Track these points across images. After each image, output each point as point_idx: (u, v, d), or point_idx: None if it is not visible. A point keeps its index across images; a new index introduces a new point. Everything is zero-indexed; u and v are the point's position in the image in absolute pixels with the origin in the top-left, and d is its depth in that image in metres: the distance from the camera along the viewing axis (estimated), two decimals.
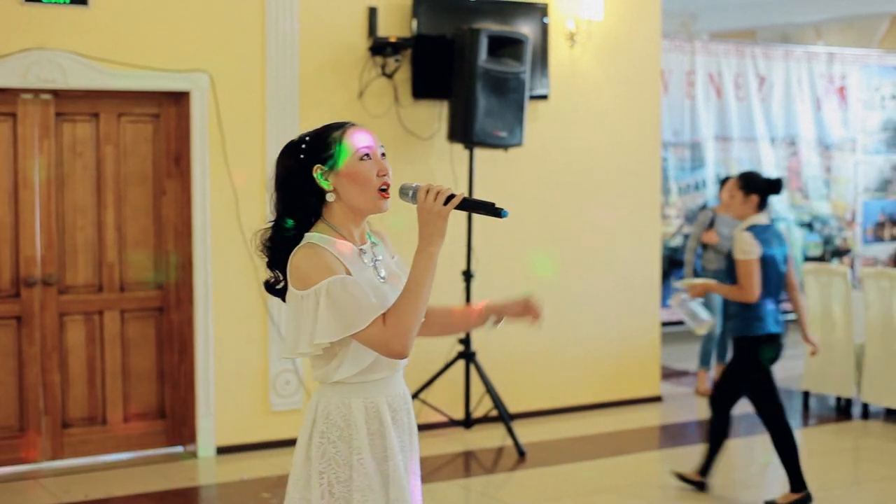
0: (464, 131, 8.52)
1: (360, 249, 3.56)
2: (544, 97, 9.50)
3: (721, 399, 7.52)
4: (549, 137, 9.63)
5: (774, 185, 7.45)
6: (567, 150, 9.78)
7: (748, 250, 7.18)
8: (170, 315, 8.49)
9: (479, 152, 8.97)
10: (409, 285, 3.42)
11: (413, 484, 3.62)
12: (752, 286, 7.16)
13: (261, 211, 8.48)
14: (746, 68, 13.28)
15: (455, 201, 3.43)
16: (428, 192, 3.43)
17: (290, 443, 8.71)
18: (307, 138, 3.57)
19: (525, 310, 3.78)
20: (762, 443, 9.21)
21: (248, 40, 8.45)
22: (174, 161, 8.40)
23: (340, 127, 3.56)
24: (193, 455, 8.45)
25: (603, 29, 9.84)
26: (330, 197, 3.52)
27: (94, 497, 7.52)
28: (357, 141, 3.51)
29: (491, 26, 8.74)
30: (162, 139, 8.41)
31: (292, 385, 8.63)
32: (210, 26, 8.33)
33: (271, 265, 3.64)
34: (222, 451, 8.48)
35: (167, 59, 8.21)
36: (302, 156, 3.53)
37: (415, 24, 8.86)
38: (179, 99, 8.37)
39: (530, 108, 9.33)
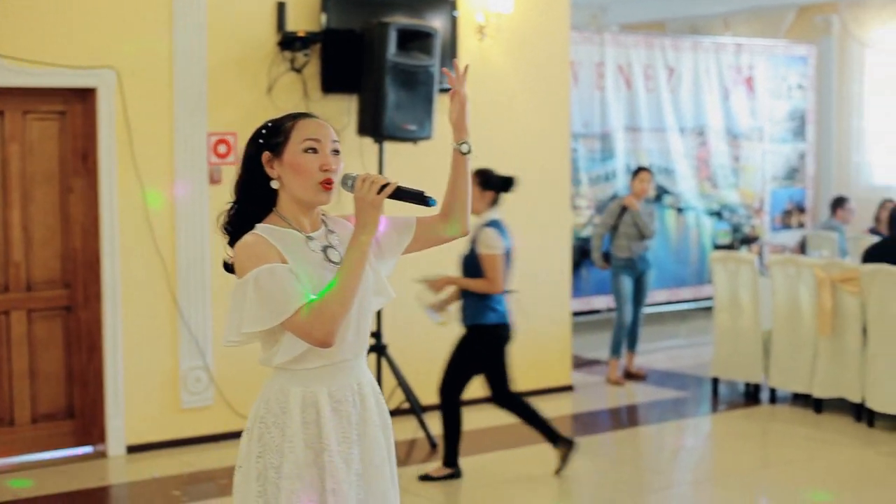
0: (373, 125, 8.53)
1: (308, 237, 3.59)
2: None
3: (451, 387, 7.78)
4: None
5: (508, 183, 7.87)
6: (477, 143, 9.71)
7: (494, 245, 7.60)
8: (77, 314, 8.41)
9: (389, 146, 8.99)
10: (338, 275, 3.45)
11: (368, 474, 3.61)
12: (498, 279, 7.60)
13: (170, 207, 8.43)
14: (655, 60, 13.40)
15: (388, 190, 3.51)
16: (364, 181, 3.50)
17: (201, 440, 8.75)
18: (268, 124, 3.67)
19: (454, 100, 3.93)
20: (672, 429, 9.33)
21: (156, 36, 8.39)
22: (81, 159, 8.33)
23: (296, 117, 3.64)
24: (103, 455, 8.39)
25: (512, 22, 9.88)
26: (274, 184, 3.59)
27: (2, 499, 7.43)
28: (304, 132, 3.57)
29: (400, 20, 8.74)
30: (69, 137, 8.33)
31: (203, 382, 8.59)
32: (116, 22, 8.25)
33: (231, 245, 3.67)
34: (133, 449, 8.42)
35: (73, 55, 8.13)
36: (260, 140, 3.62)
37: (324, 18, 8.85)
38: (86, 96, 8.29)
39: (440, 102, 9.33)
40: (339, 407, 3.57)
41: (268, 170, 3.60)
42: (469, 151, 3.92)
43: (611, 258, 11.14)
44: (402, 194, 3.57)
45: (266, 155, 3.60)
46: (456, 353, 7.77)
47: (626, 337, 11.13)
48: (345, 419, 3.58)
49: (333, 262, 3.58)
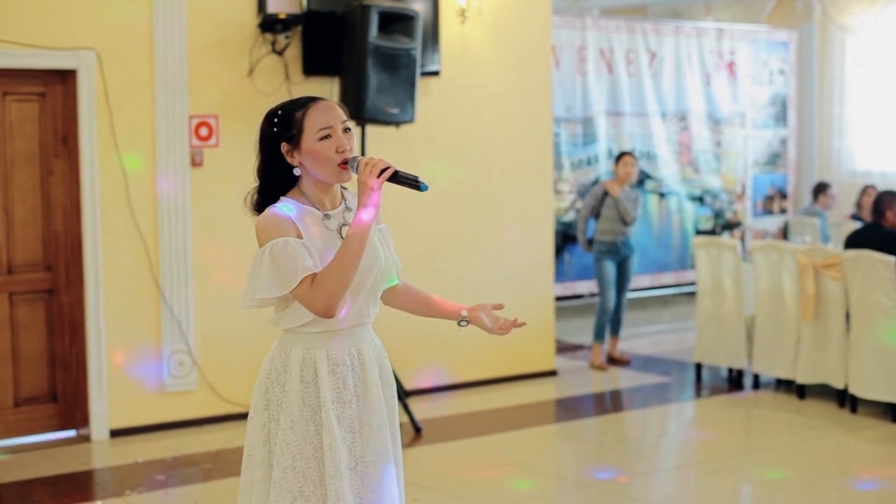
0: (355, 108, 8.48)
1: (326, 215, 3.85)
2: (436, 73, 9.50)
3: None
4: (440, 114, 9.63)
5: None
6: (459, 127, 9.79)
7: None
8: (60, 297, 8.36)
9: (371, 129, 8.95)
10: (339, 251, 3.69)
11: (365, 433, 3.86)
12: None
13: (151, 190, 8.39)
14: (637, 44, 13.37)
15: (386, 174, 3.72)
16: (366, 164, 3.73)
17: (185, 424, 8.73)
18: (279, 112, 3.86)
19: (496, 327, 4.20)
20: (655, 415, 9.33)
21: (136, 17, 8.34)
22: (62, 141, 8.27)
23: (304, 105, 3.84)
24: (87, 439, 8.35)
25: (493, 5, 9.85)
26: (296, 171, 3.84)
27: None
28: (316, 122, 3.80)
29: (381, 2, 8.69)
30: (49, 119, 8.27)
31: (186, 366, 8.56)
32: (96, 3, 8.19)
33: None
34: (116, 433, 8.39)
35: (53, 36, 8.07)
36: (274, 129, 3.84)
37: (305, 0, 8.80)
38: (66, 77, 8.23)
39: (422, 85, 9.32)
40: (335, 369, 3.83)
41: (289, 159, 3.83)
42: (465, 325, 4.27)
43: (593, 243, 11.14)
44: (398, 178, 3.77)
45: (285, 146, 3.82)
46: None
47: (610, 322, 11.14)
48: (341, 381, 3.83)
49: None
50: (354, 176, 3.78)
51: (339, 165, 3.78)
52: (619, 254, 11.02)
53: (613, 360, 11.14)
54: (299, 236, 3.74)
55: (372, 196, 3.68)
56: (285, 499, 3.76)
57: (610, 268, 11.01)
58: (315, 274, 3.67)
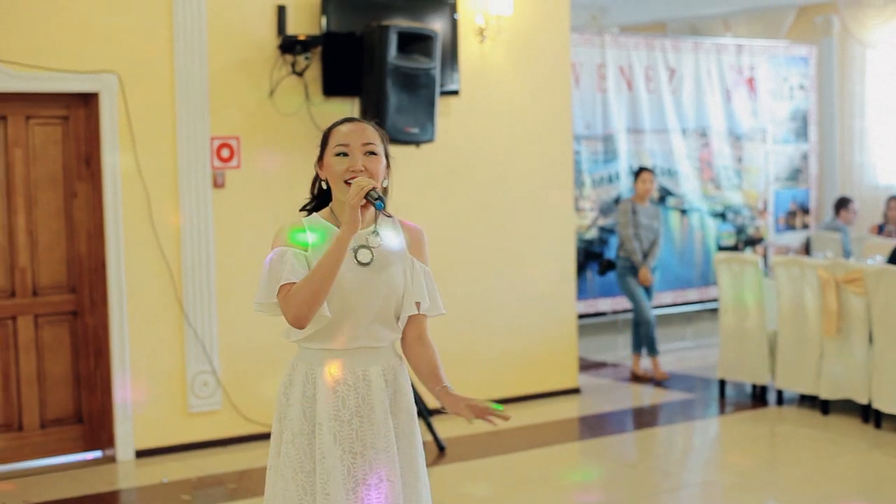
0: (382, 129, 8.49)
1: None
2: (455, 93, 9.52)
3: None
4: (460, 133, 9.66)
5: None
6: (479, 146, 9.81)
7: None
8: (84, 319, 8.41)
9: (391, 149, 8.94)
10: (316, 264, 3.75)
11: (368, 456, 3.86)
12: None
13: (174, 211, 8.43)
14: (656, 61, 13.38)
15: (362, 193, 3.74)
16: (354, 184, 3.77)
17: (210, 444, 8.75)
18: (326, 129, 4.04)
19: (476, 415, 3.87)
20: (679, 431, 9.32)
21: (157, 40, 8.39)
22: (85, 163, 8.33)
23: (339, 123, 4.00)
24: (112, 459, 8.38)
25: (512, 24, 9.88)
26: (324, 184, 3.99)
27: None
28: (336, 139, 3.92)
29: (400, 22, 8.74)
30: (72, 141, 8.33)
31: (210, 386, 8.58)
32: (117, 26, 8.25)
33: None
34: (141, 454, 8.42)
35: (75, 60, 8.13)
36: (320, 145, 4.01)
37: (324, 21, 8.84)
38: (88, 100, 8.29)
39: (441, 104, 9.34)
40: (336, 387, 3.88)
41: (318, 171, 4.02)
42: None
43: (617, 259, 11.20)
44: (368, 196, 3.78)
45: (317, 159, 4.01)
46: None
47: (645, 340, 11.17)
48: (340, 400, 3.87)
49: (360, 262, 3.86)
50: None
51: (345, 182, 3.85)
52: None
53: (655, 379, 11.14)
54: (306, 248, 3.85)
55: (351, 214, 3.73)
56: None
57: (634, 282, 11.08)
58: (293, 283, 3.75)
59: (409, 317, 4.00)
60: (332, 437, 3.82)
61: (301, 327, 3.78)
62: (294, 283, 3.75)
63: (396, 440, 3.93)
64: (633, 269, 11.11)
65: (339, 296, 3.80)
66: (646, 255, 11.20)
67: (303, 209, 4.06)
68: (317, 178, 4.04)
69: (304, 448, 3.86)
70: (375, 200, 3.75)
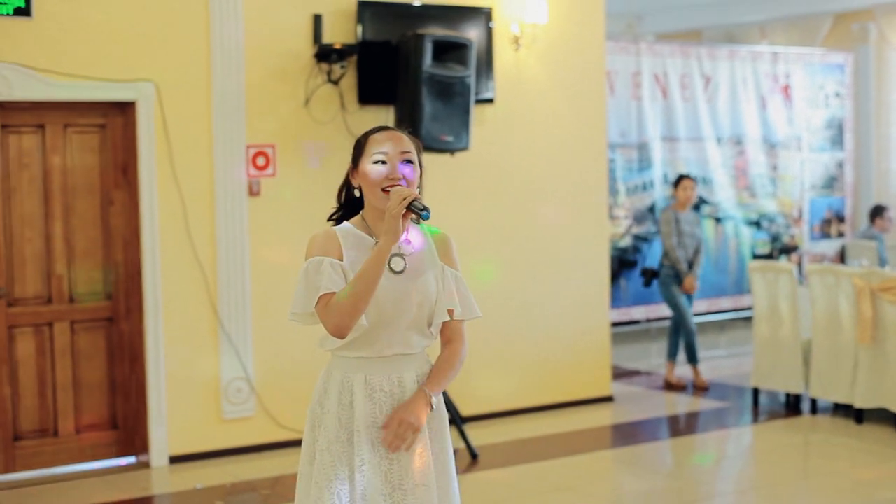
0: (416, 138, 8.52)
1: (377, 242, 3.84)
2: (490, 101, 9.55)
3: None
4: (495, 141, 9.67)
5: None
6: (514, 153, 9.83)
7: None
8: (120, 325, 8.47)
9: (426, 157, 8.93)
10: (357, 274, 3.76)
11: (403, 460, 3.88)
12: None
13: (210, 219, 8.48)
14: (692, 69, 13.37)
15: (404, 203, 3.75)
16: (394, 193, 3.79)
17: (243, 450, 8.79)
18: (359, 136, 4.04)
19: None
20: (713, 440, 9.31)
21: (194, 49, 8.45)
22: (121, 171, 8.39)
23: (374, 131, 4.00)
24: (146, 465, 8.43)
25: (547, 32, 9.89)
26: (356, 192, 3.99)
27: None
28: (374, 146, 3.92)
29: (435, 31, 8.77)
30: (109, 149, 8.39)
31: (244, 393, 8.63)
32: (155, 35, 8.32)
33: None
34: (175, 460, 8.47)
35: (112, 69, 8.20)
36: (353, 152, 4.01)
37: (359, 30, 8.88)
38: (125, 109, 8.35)
39: (476, 112, 9.36)
40: (373, 395, 3.90)
41: (351, 179, 4.02)
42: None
43: (661, 267, 11.21)
44: (412, 206, 3.79)
45: (350, 167, 4.01)
46: None
47: (685, 349, 11.16)
48: (377, 406, 3.89)
49: (393, 270, 3.88)
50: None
51: (382, 191, 3.86)
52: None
53: (696, 387, 11.13)
54: (340, 258, 3.86)
55: (392, 223, 3.74)
56: None
57: (677, 290, 11.09)
58: (333, 294, 3.76)
59: (445, 324, 4.03)
60: (371, 443, 3.85)
61: (342, 337, 3.80)
62: (333, 293, 3.76)
63: (431, 445, 3.95)
64: (678, 278, 11.12)
65: (375, 304, 3.81)
66: (691, 263, 11.20)
67: (330, 218, 4.07)
68: (345, 186, 4.06)
69: (339, 455, 3.86)
70: (421, 211, 3.75)
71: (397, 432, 3.83)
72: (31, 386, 8.22)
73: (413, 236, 3.98)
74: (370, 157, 3.90)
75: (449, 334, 4.08)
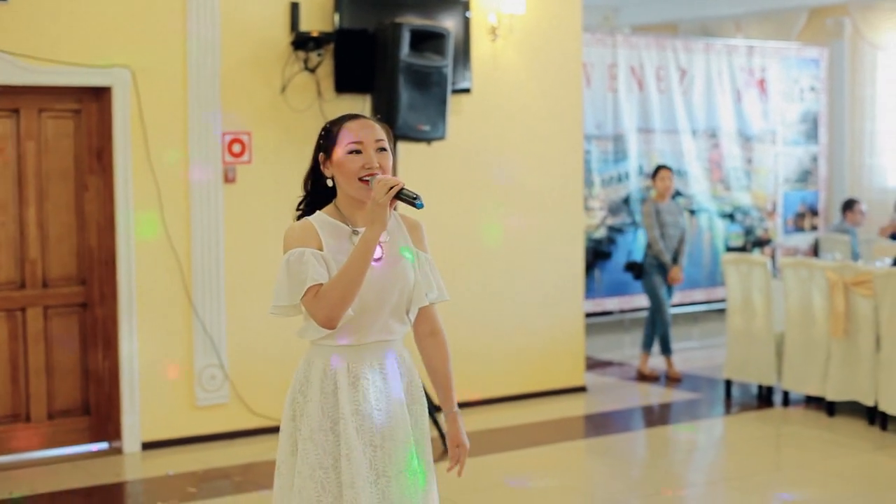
0: (387, 125, 8.52)
1: (354, 231, 3.90)
2: (467, 91, 9.55)
3: None
4: (472, 131, 9.68)
5: None
6: (490, 144, 9.84)
7: None
8: (93, 311, 8.45)
9: (402, 146, 9.01)
10: (344, 264, 3.75)
11: (387, 447, 3.90)
12: None
13: (185, 206, 8.46)
14: (668, 61, 13.40)
15: (393, 191, 3.74)
16: (378, 182, 3.77)
17: (216, 437, 8.77)
18: (326, 125, 4.03)
19: (452, 455, 4.16)
20: (685, 431, 9.34)
21: (170, 35, 8.43)
22: (96, 157, 8.36)
23: (345, 120, 3.98)
24: (119, 451, 8.42)
25: (524, 23, 9.90)
26: (329, 182, 3.97)
27: (19, 495, 7.47)
28: (347, 135, 3.90)
29: (413, 20, 8.76)
30: (84, 135, 8.36)
31: (217, 380, 8.62)
32: (131, 21, 8.29)
33: None
34: (148, 446, 8.45)
35: (88, 54, 8.16)
36: (321, 141, 3.99)
37: (337, 18, 8.87)
38: (101, 94, 8.32)
39: (453, 102, 9.36)
40: (356, 382, 3.89)
41: (323, 169, 3.98)
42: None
43: (645, 257, 11.23)
44: (402, 195, 3.77)
45: (321, 156, 3.98)
46: None
47: (660, 340, 11.19)
48: (361, 394, 3.88)
49: (373, 258, 3.82)
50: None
51: (359, 180, 3.86)
52: (667, 269, 11.14)
53: (668, 378, 11.17)
54: (320, 248, 3.84)
55: (379, 213, 3.72)
56: None
57: (660, 282, 11.11)
58: (321, 285, 3.74)
59: (420, 310, 4.04)
60: (355, 430, 3.84)
61: (332, 328, 3.78)
62: (321, 284, 3.75)
63: (412, 431, 3.98)
64: (661, 269, 11.14)
65: (358, 293, 3.80)
66: (676, 254, 11.22)
67: (298, 207, 4.07)
68: (312, 174, 4.03)
69: (322, 444, 3.85)
70: (414, 200, 3.73)
71: (458, 458, 4.11)
72: (4, 371, 8.19)
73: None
74: (344, 146, 3.88)
75: (430, 323, 4.11)
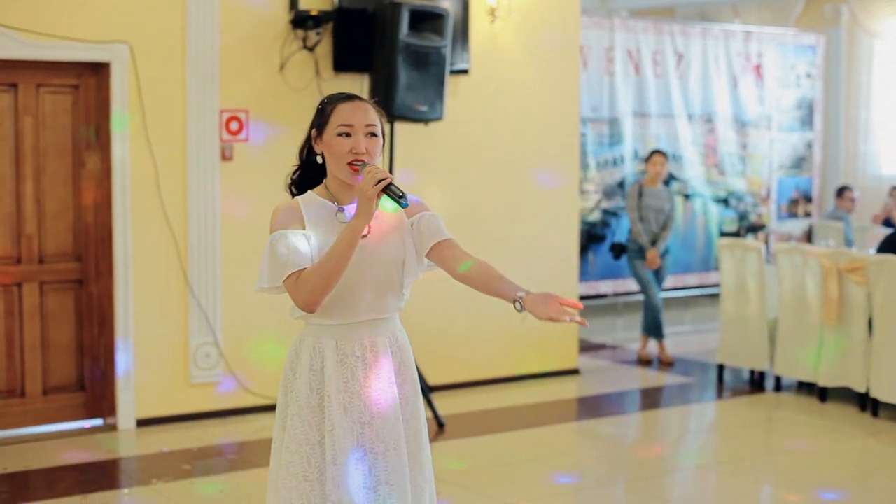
0: (385, 105, 8.50)
1: (340, 209, 3.93)
2: (465, 72, 9.55)
3: None
4: (469, 112, 9.68)
5: None
6: (487, 125, 9.84)
7: None
8: (89, 287, 8.45)
9: (400, 126, 9.00)
10: (328, 251, 3.77)
11: (375, 424, 3.90)
12: None
13: (181, 183, 8.46)
14: (664, 45, 13.41)
15: (382, 185, 3.75)
16: (368, 172, 3.79)
17: (211, 415, 8.78)
18: (322, 101, 4.04)
19: (550, 314, 3.86)
20: (676, 415, 9.38)
21: (169, 12, 8.41)
22: (94, 132, 8.35)
23: (339, 99, 3.97)
24: (113, 428, 8.43)
25: (523, 5, 9.89)
26: (318, 159, 3.99)
27: (13, 470, 7.48)
28: (339, 118, 3.91)
29: (412, 0, 8.75)
30: (81, 110, 8.35)
31: (212, 358, 8.63)
32: None
33: None
34: (142, 423, 8.47)
35: (87, 29, 8.15)
36: (316, 117, 3.99)
37: None
38: (99, 70, 8.31)
39: (451, 83, 9.36)
40: (344, 360, 3.92)
41: (314, 146, 4.00)
42: (521, 310, 3.98)
43: (628, 242, 11.25)
44: (389, 190, 3.78)
45: (313, 132, 4.00)
46: None
47: (651, 324, 11.21)
48: (349, 371, 3.91)
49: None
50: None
51: (348, 165, 3.87)
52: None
53: (662, 362, 11.19)
54: (303, 227, 3.87)
55: (366, 204, 3.74)
56: (290, 482, 3.87)
57: (642, 266, 11.13)
58: (302, 270, 3.78)
59: (446, 252, 4.02)
60: (342, 408, 3.86)
61: (312, 311, 3.81)
62: (303, 268, 3.78)
63: (401, 409, 3.98)
64: (642, 253, 11.15)
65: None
66: (655, 238, 11.21)
67: (290, 179, 4.09)
68: (307, 147, 4.05)
69: (309, 420, 3.88)
70: (400, 199, 3.75)
71: (562, 309, 3.82)
72: None
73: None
74: (335, 128, 3.90)
75: (459, 254, 4.07)
